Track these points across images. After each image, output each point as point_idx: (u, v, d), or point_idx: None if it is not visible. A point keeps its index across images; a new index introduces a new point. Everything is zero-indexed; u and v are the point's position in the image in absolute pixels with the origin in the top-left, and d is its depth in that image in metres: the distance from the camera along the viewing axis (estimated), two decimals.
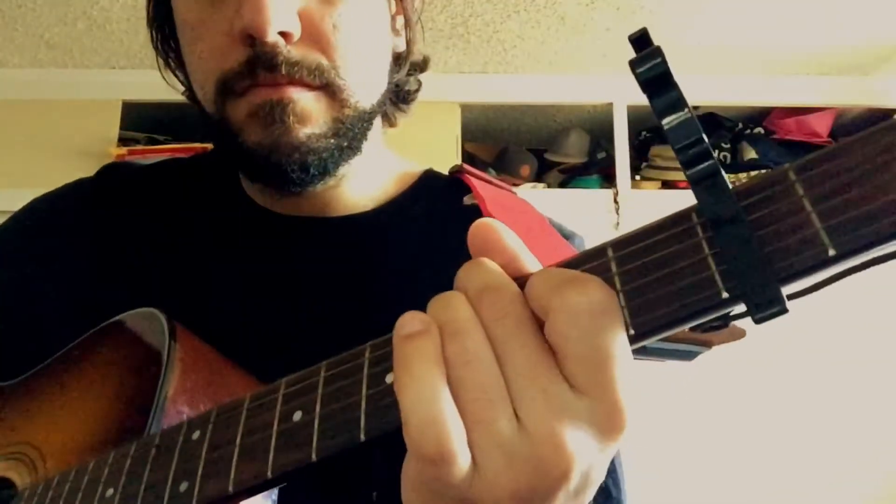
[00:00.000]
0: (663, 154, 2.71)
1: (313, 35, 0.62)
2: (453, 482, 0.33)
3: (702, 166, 0.33)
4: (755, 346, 2.38)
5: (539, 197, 2.60)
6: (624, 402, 0.33)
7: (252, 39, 0.60)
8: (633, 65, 0.33)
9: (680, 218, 0.34)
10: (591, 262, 0.36)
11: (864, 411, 2.46)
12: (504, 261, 0.37)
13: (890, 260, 0.30)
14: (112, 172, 0.81)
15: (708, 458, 2.39)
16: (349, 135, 0.65)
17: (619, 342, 0.33)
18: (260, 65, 0.60)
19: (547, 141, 2.96)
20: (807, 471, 2.42)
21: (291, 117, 0.61)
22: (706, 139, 0.32)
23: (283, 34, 0.60)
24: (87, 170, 0.83)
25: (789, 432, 2.44)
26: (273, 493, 0.52)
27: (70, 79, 2.63)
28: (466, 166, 0.75)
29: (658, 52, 0.33)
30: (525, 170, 2.82)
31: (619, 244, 0.36)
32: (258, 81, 0.61)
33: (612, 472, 0.67)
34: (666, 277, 0.33)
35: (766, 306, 0.30)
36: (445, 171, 0.79)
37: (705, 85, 2.69)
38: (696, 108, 2.73)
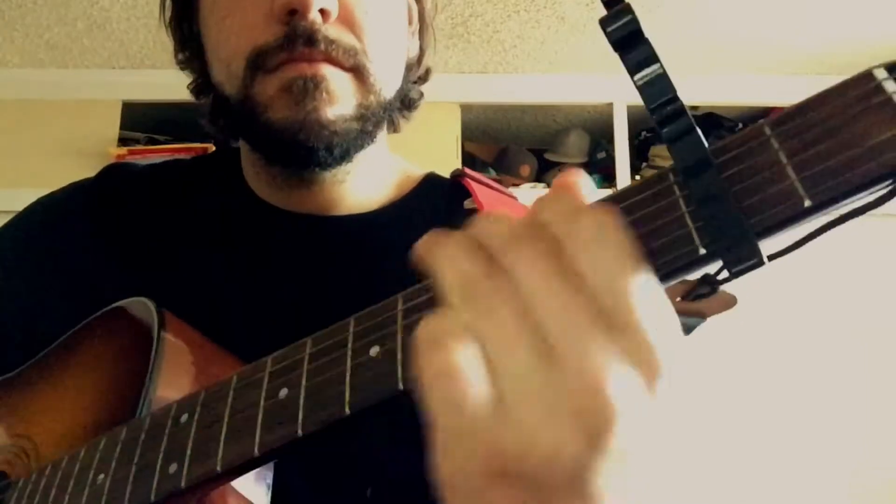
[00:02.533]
0: (663, 154, 2.71)
1: (348, 18, 0.64)
2: (479, 430, 0.30)
3: (677, 123, 0.32)
4: (752, 346, 2.38)
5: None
6: (659, 340, 0.30)
7: (291, 17, 0.62)
8: (604, 23, 0.33)
9: (658, 178, 0.34)
10: None
11: (860, 411, 2.46)
12: None
13: (866, 212, 0.30)
14: (113, 173, 0.81)
15: (707, 462, 2.39)
16: (371, 121, 0.66)
17: (641, 271, 0.30)
18: (299, 39, 0.62)
19: (547, 141, 2.97)
20: (800, 471, 2.41)
21: (324, 95, 0.62)
22: (679, 96, 0.32)
23: (322, 12, 0.62)
24: (87, 170, 0.83)
25: (782, 433, 2.43)
26: (268, 479, 0.52)
27: (70, 79, 2.64)
28: (468, 170, 0.76)
29: (628, 8, 0.33)
30: (525, 170, 2.82)
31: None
32: (295, 56, 0.62)
33: None
34: (644, 236, 0.33)
35: (743, 260, 0.30)
36: (446, 172, 0.80)
37: (705, 85, 2.69)
38: (695, 108, 2.74)
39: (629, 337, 0.30)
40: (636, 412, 0.29)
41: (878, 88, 0.29)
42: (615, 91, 2.70)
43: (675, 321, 0.30)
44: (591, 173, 2.80)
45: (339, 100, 0.64)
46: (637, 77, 0.33)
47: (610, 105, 2.73)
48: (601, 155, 2.80)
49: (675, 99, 0.32)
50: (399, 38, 0.71)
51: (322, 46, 0.62)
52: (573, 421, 0.29)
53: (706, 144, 0.32)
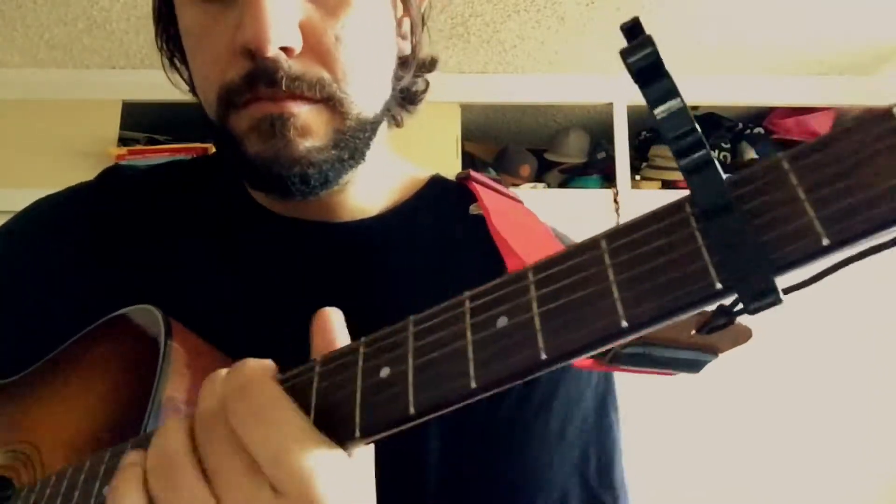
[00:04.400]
0: (663, 154, 2.71)
1: (315, 48, 0.61)
2: None
3: (694, 156, 0.32)
4: (755, 351, 2.39)
5: (539, 197, 2.60)
6: (313, 493, 0.38)
7: (253, 53, 0.59)
8: (625, 54, 0.33)
9: (673, 208, 0.34)
10: (584, 254, 0.35)
11: (863, 414, 2.46)
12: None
13: (884, 250, 0.30)
14: (113, 175, 0.81)
15: (707, 464, 2.39)
16: (350, 146, 0.64)
17: (291, 435, 0.39)
18: (260, 79, 0.60)
19: (547, 141, 2.96)
20: (805, 474, 2.41)
21: (292, 131, 0.61)
22: (699, 129, 0.32)
23: (284, 49, 0.59)
24: (87, 170, 0.83)
25: (788, 436, 2.43)
26: None
27: (70, 79, 2.63)
28: (473, 173, 0.75)
29: (649, 41, 0.33)
30: (525, 170, 2.82)
31: (613, 236, 0.35)
32: (259, 95, 0.60)
33: (613, 489, 0.66)
34: (659, 268, 0.33)
35: (760, 297, 0.30)
36: (445, 172, 0.79)
37: (705, 85, 2.69)
38: (696, 108, 2.73)
39: (289, 496, 0.38)
40: None
41: None
42: (615, 91, 2.69)
43: (325, 471, 0.39)
44: (591, 173, 2.80)
45: (311, 132, 0.62)
46: (658, 111, 0.33)
47: (610, 105, 2.73)
48: (601, 155, 2.79)
49: (694, 130, 0.32)
50: (383, 49, 0.68)
51: (284, 85, 0.59)
52: None
53: (723, 177, 0.32)
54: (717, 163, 0.32)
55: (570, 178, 2.85)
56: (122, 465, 0.42)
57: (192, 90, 0.71)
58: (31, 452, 0.59)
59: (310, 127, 0.62)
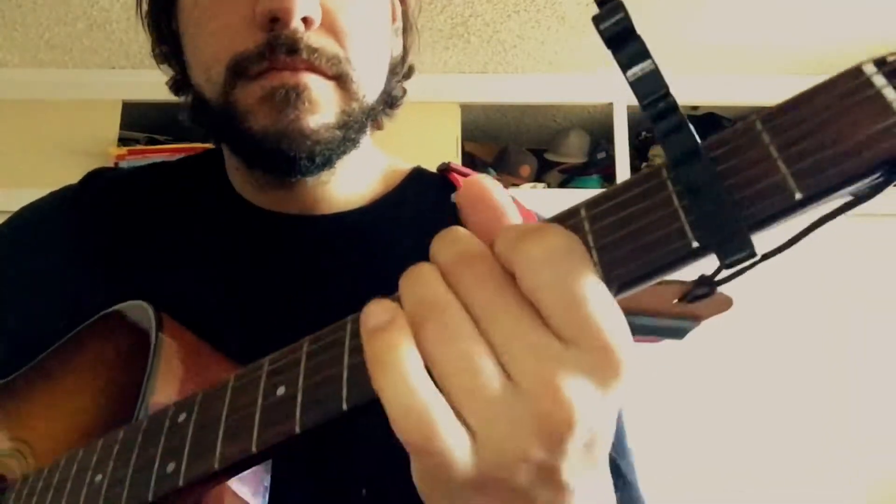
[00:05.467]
0: (663, 154, 2.70)
1: (332, 25, 0.63)
2: (456, 464, 0.32)
3: (669, 119, 0.33)
4: (750, 342, 2.38)
5: (539, 197, 2.61)
6: (612, 342, 0.32)
7: (273, 23, 0.60)
8: (597, 21, 0.34)
9: (651, 173, 0.34)
10: (564, 221, 0.36)
11: (859, 410, 2.46)
12: (492, 217, 0.37)
13: (855, 206, 0.30)
14: (97, 177, 0.81)
15: (701, 452, 2.39)
16: (353, 128, 0.66)
17: (590, 282, 0.32)
18: (280, 47, 0.61)
19: (547, 141, 2.96)
20: (800, 467, 2.41)
21: (306, 104, 0.61)
22: (671, 91, 0.32)
23: (304, 20, 0.61)
24: (87, 170, 0.83)
25: (784, 429, 2.43)
26: (265, 482, 0.52)
27: (70, 79, 2.64)
28: (453, 164, 0.76)
29: (620, 5, 0.34)
30: (525, 170, 2.82)
31: (592, 203, 0.36)
32: (277, 65, 0.61)
33: (625, 455, 0.67)
34: (638, 231, 0.33)
35: (736, 251, 0.30)
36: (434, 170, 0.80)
37: (705, 85, 2.69)
38: (696, 108, 2.74)
39: (583, 346, 0.32)
40: (593, 414, 0.32)
41: (867, 83, 0.29)
42: (615, 91, 2.69)
43: (625, 325, 0.33)
44: (591, 173, 2.80)
45: (322, 109, 0.63)
46: (629, 73, 0.33)
47: (610, 105, 2.73)
48: (601, 155, 2.80)
49: (668, 95, 0.33)
50: (383, 41, 0.70)
51: (304, 55, 0.61)
52: (536, 430, 0.31)
53: (698, 139, 0.32)
54: (690, 126, 0.32)
55: (570, 178, 2.86)
56: (370, 324, 0.35)
57: (180, 77, 0.72)
58: (24, 449, 0.59)
59: (320, 103, 0.63)
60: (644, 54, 0.33)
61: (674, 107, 0.32)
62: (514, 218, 0.37)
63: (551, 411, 0.31)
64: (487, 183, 0.37)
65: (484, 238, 0.36)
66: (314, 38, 0.62)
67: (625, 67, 0.33)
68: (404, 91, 0.78)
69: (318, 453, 0.59)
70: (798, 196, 0.29)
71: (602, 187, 2.70)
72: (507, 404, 0.32)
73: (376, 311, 0.35)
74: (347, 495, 0.60)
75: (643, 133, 2.81)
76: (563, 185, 2.85)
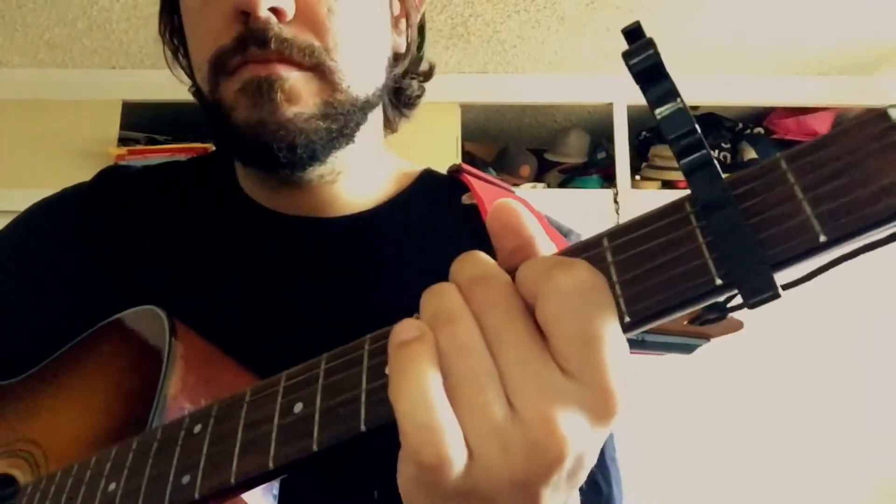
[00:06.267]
0: (663, 154, 2.71)
1: (308, 16, 0.63)
2: (449, 478, 0.33)
3: (694, 156, 0.33)
4: (752, 344, 2.38)
5: (539, 197, 2.60)
6: (615, 385, 0.33)
7: (245, 17, 0.61)
8: (626, 57, 0.34)
9: (674, 207, 0.35)
10: (586, 251, 0.36)
11: (859, 412, 2.46)
12: (520, 243, 0.37)
13: (880, 247, 0.30)
14: (108, 176, 0.81)
15: (703, 455, 2.40)
16: (341, 120, 0.65)
17: (608, 323, 0.33)
18: (250, 40, 0.61)
19: (547, 141, 2.97)
20: (801, 469, 2.42)
21: (280, 94, 0.61)
22: (699, 129, 0.33)
23: (275, 11, 0.61)
24: (87, 169, 0.83)
25: (786, 429, 2.44)
26: (274, 489, 0.53)
27: (70, 79, 2.63)
28: (465, 166, 0.75)
29: (650, 43, 0.34)
30: (525, 170, 2.83)
31: (615, 234, 0.36)
32: (248, 58, 0.62)
33: (604, 467, 0.67)
34: (661, 266, 0.33)
35: (759, 292, 0.31)
36: (445, 171, 0.79)
37: (705, 85, 2.69)
38: (696, 108, 2.74)
39: (586, 383, 0.33)
40: (583, 447, 0.34)
41: (893, 128, 0.29)
42: (615, 91, 2.69)
43: (630, 369, 0.33)
44: (591, 173, 2.80)
45: (299, 98, 0.63)
46: (658, 111, 0.33)
47: (610, 105, 2.73)
48: (601, 155, 2.80)
49: (694, 131, 0.33)
50: (376, 33, 0.69)
51: (273, 46, 0.61)
52: (527, 458, 0.33)
53: (723, 177, 0.32)
54: (716, 162, 0.33)
55: (570, 178, 2.86)
56: (398, 339, 0.36)
57: (192, 80, 0.72)
58: (35, 452, 0.59)
59: (298, 93, 0.62)
60: (674, 93, 0.33)
61: (700, 144, 0.33)
62: (543, 245, 0.38)
63: (545, 444, 0.32)
64: (516, 208, 0.38)
65: (509, 264, 0.37)
66: (286, 29, 0.62)
67: (653, 105, 0.33)
68: (423, 90, 0.78)
69: None
70: (822, 239, 0.29)
71: (602, 187, 2.71)
72: (504, 428, 0.33)
73: (407, 328, 0.36)
74: (360, 496, 0.60)
75: (643, 133, 2.81)
76: (563, 184, 2.85)
